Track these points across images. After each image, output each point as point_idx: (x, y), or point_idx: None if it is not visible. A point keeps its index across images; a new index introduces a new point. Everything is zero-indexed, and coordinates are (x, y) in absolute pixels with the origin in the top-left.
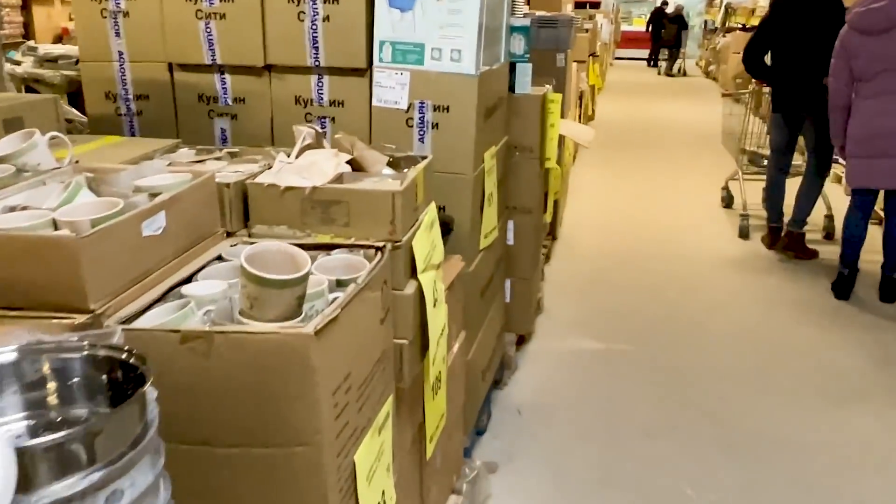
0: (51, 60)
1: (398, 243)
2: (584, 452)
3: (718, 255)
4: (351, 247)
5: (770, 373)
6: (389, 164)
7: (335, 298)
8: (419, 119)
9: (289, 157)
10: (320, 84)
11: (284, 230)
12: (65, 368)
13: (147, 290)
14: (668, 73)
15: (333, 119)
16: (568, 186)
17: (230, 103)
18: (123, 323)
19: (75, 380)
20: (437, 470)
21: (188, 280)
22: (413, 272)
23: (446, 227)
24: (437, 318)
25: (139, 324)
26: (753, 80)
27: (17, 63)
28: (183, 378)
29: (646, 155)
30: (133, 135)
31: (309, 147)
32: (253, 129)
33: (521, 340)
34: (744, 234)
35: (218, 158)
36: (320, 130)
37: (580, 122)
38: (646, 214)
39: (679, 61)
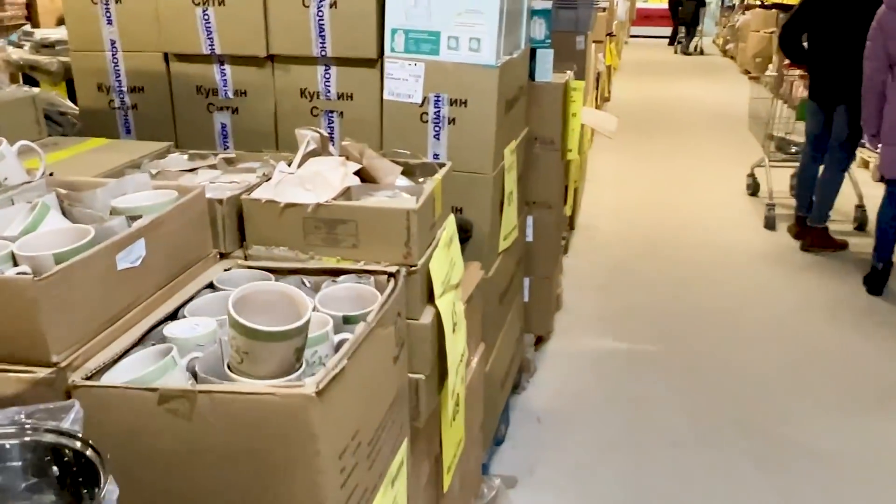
0: (48, 46)
1: (414, 268)
2: (609, 465)
3: (744, 246)
4: (360, 272)
5: (801, 375)
6: (403, 173)
7: (341, 341)
8: (434, 114)
9: (290, 165)
10: (327, 76)
11: (284, 252)
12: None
13: (123, 333)
14: (685, 52)
15: (342, 113)
16: (585, 173)
17: (230, 96)
18: (91, 377)
19: (15, 465)
20: (455, 497)
21: (174, 314)
22: (430, 297)
23: (464, 232)
24: (457, 345)
25: (110, 378)
26: (779, 61)
27: (20, 46)
28: (162, 443)
29: (665, 138)
30: (128, 130)
31: (313, 154)
32: (255, 125)
33: (539, 340)
34: (770, 224)
35: (212, 166)
36: (325, 134)
37: (596, 105)
38: (666, 202)
39: (696, 39)
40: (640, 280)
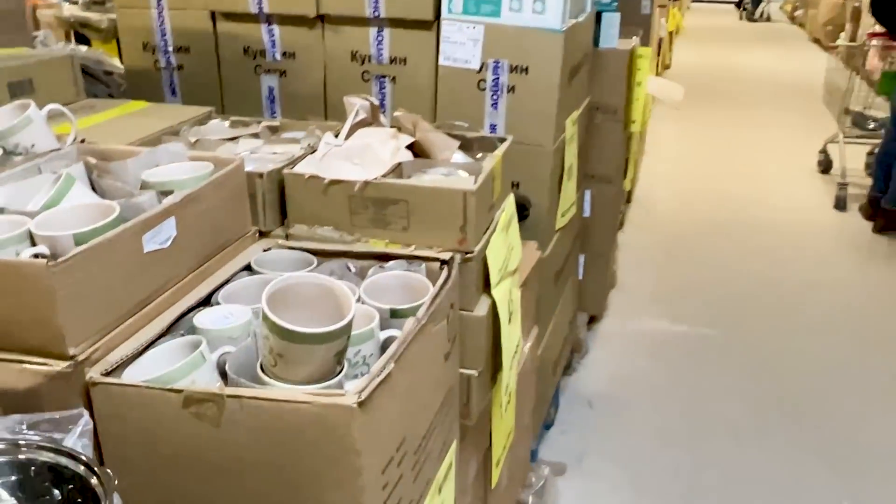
0: (98, 2)
1: (469, 254)
2: (663, 456)
3: (812, 226)
4: (410, 258)
5: (870, 367)
6: (460, 148)
7: (388, 339)
8: (493, 81)
9: (337, 136)
10: (380, 38)
11: (329, 233)
12: None
13: (149, 321)
14: (750, 18)
15: (394, 79)
16: (644, 144)
17: (278, 58)
18: (111, 372)
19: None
20: (503, 489)
21: (207, 300)
22: (486, 285)
23: (522, 210)
24: (512, 335)
25: (132, 373)
26: (853, 30)
27: (75, 2)
28: (187, 449)
29: (728, 109)
30: (173, 92)
31: (363, 124)
32: (303, 89)
33: (592, 319)
34: (841, 204)
35: (254, 135)
36: (376, 102)
37: (657, 72)
38: (730, 176)
39: (763, 5)
40: (700, 259)
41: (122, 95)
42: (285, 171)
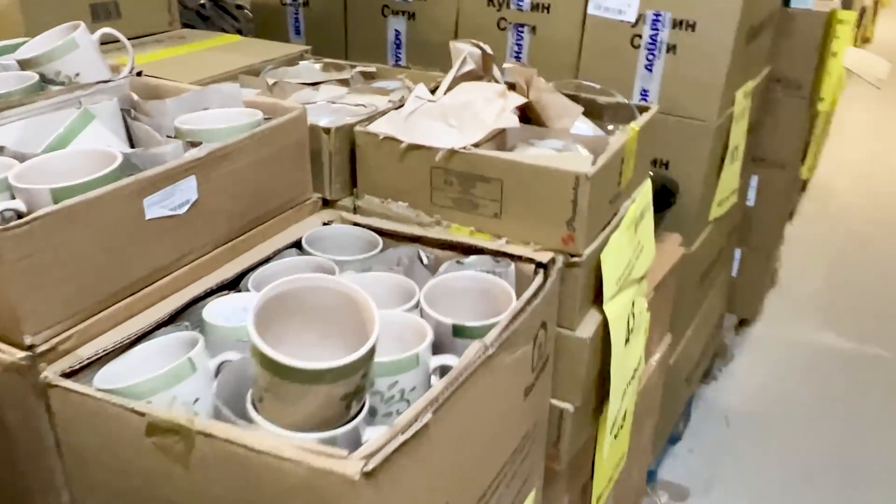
0: None
1: (577, 258)
2: (808, 488)
3: None
4: (498, 254)
5: None
6: (588, 115)
7: (441, 367)
8: (650, 38)
9: (434, 92)
10: None
11: (403, 210)
12: None
13: (148, 306)
14: None
15: (534, 29)
16: (830, 126)
17: None
18: (77, 372)
19: None
20: None
21: (235, 283)
22: (598, 296)
23: (668, 196)
24: (630, 358)
25: (107, 375)
26: None
27: None
28: (151, 487)
29: None
30: (297, 31)
31: (470, 76)
32: (433, 35)
33: (743, 321)
34: None
35: (342, 81)
36: (489, 51)
37: (854, 44)
38: None
39: None
40: (880, 264)
41: (250, 33)
42: (357, 127)
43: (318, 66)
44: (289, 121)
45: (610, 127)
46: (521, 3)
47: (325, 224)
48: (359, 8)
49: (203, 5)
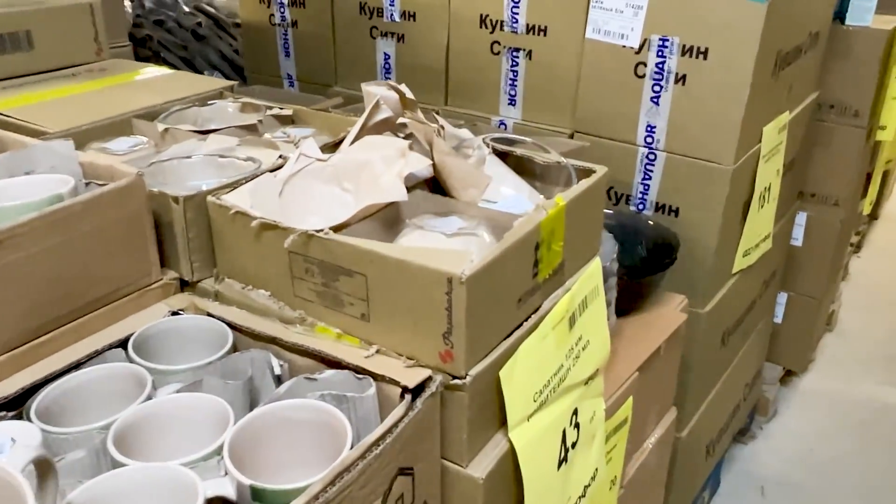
0: None
1: (458, 380)
2: None
3: None
4: (359, 371)
5: None
6: (522, 173)
7: None
8: (656, 66)
9: (337, 146)
10: (516, 1)
11: (266, 300)
12: None
13: None
14: None
15: (529, 54)
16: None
17: (397, 19)
18: None
19: None
20: None
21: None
22: (504, 420)
23: (666, 253)
24: (569, 483)
25: None
26: None
27: None
28: None
29: None
30: (287, 53)
31: (386, 125)
32: (423, 59)
33: (789, 371)
34: None
35: (250, 127)
36: (409, 96)
37: None
38: None
39: None
40: None
41: (240, 51)
42: (210, 197)
43: (234, 106)
44: (113, 191)
45: (558, 190)
46: (514, 25)
47: (173, 314)
48: (346, 29)
49: (200, 24)
